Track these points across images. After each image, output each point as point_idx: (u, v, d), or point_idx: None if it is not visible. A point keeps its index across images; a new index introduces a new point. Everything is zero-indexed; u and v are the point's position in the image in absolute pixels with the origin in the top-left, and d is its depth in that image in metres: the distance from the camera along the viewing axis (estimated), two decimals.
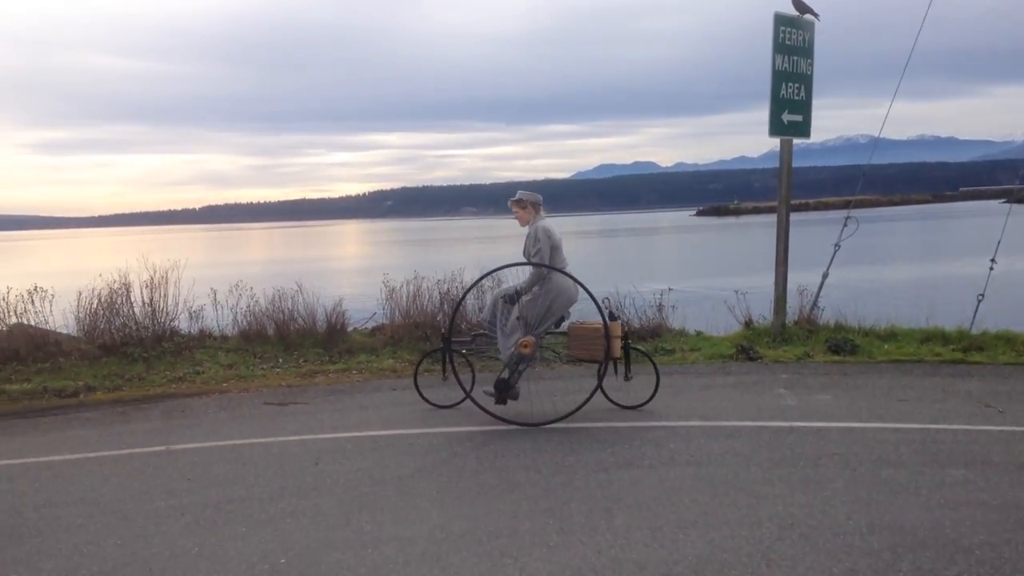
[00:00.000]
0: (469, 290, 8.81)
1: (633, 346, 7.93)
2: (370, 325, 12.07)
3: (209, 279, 12.33)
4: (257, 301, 11.62)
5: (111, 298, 10.71)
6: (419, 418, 7.60)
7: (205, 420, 7.99)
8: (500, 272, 8.43)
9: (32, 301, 10.58)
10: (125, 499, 5.65)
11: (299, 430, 7.42)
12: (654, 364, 8.01)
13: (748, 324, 11.37)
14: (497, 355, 7.61)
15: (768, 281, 11.21)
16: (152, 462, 6.54)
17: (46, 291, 10.68)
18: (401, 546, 4.69)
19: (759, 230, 71.85)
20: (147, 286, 10.84)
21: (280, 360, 10.58)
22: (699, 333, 11.46)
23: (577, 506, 5.19)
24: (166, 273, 11.04)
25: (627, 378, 7.65)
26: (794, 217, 11.17)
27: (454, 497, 5.47)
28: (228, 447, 6.94)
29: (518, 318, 7.25)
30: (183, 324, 11.31)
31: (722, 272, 30.52)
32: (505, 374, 7.34)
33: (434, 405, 7.97)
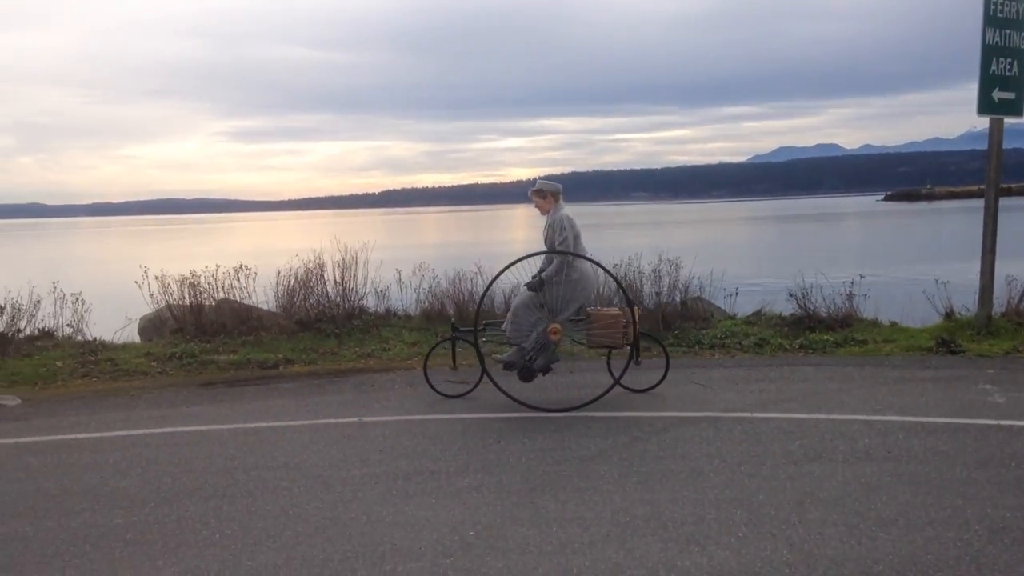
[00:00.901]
0: (493, 280, 8.46)
1: (642, 331, 8.11)
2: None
3: (393, 260, 12.83)
4: (438, 282, 12.01)
5: (307, 277, 11.36)
6: (599, 402, 7.60)
7: (392, 395, 8.33)
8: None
9: (237, 278, 11.38)
10: (324, 466, 5.98)
11: (479, 408, 7.60)
12: (664, 349, 8.13)
13: (949, 315, 10.64)
14: (505, 341, 7.68)
15: (970, 270, 10.45)
16: (347, 432, 6.89)
17: (249, 269, 11.46)
18: (584, 526, 4.72)
19: (956, 216, 67.19)
20: (339, 266, 11.43)
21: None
22: (894, 324, 10.83)
23: (765, 498, 5.04)
24: (355, 254, 11.59)
25: (637, 363, 8.00)
26: (1000, 203, 10.32)
27: (636, 481, 5.45)
28: (415, 421, 7.21)
29: (542, 305, 7.44)
30: (370, 302, 11.85)
31: (917, 260, 28.75)
32: (535, 360, 7.47)
33: (444, 395, 8.03)
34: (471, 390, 8.11)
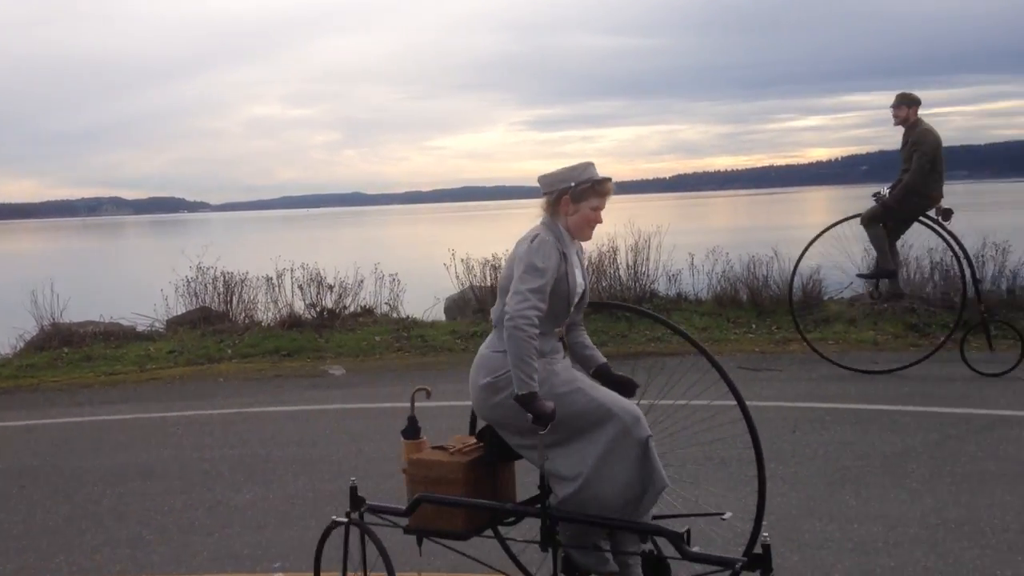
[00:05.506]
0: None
1: None
2: (847, 295, 11.53)
3: (684, 245, 12.69)
4: (732, 267, 11.74)
5: (600, 260, 11.58)
6: (903, 395, 7.10)
7: (682, 379, 8.28)
8: None
9: None
10: None
11: (774, 396, 7.38)
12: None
13: None
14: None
15: None
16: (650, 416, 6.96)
17: None
18: (889, 526, 4.45)
19: None
20: (632, 249, 11.52)
21: (753, 326, 10.59)
22: None
23: None
24: (648, 238, 11.63)
25: None
26: None
27: (949, 483, 5.04)
28: (703, 407, 7.11)
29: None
30: (661, 286, 11.84)
31: None
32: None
33: None
34: None
